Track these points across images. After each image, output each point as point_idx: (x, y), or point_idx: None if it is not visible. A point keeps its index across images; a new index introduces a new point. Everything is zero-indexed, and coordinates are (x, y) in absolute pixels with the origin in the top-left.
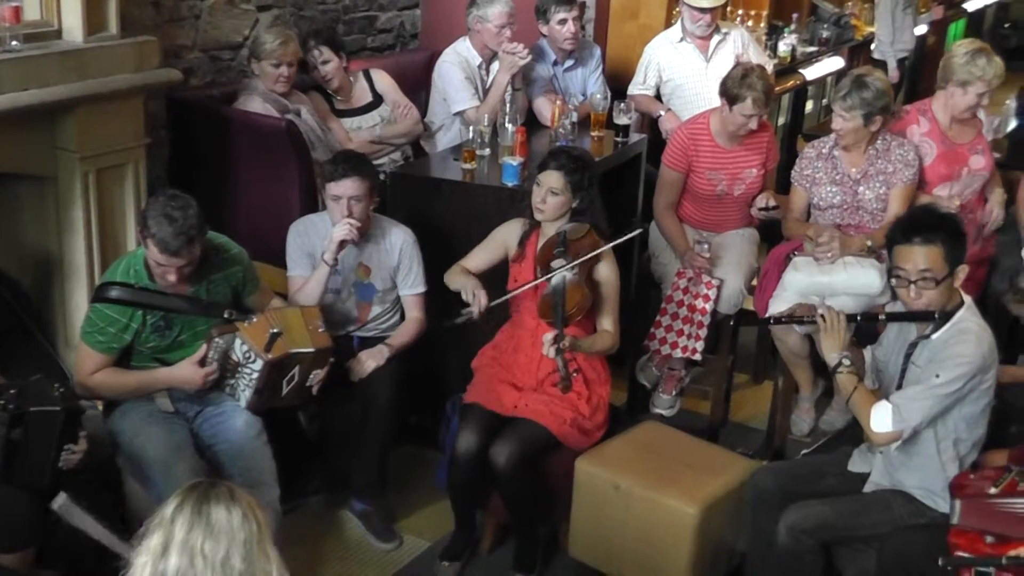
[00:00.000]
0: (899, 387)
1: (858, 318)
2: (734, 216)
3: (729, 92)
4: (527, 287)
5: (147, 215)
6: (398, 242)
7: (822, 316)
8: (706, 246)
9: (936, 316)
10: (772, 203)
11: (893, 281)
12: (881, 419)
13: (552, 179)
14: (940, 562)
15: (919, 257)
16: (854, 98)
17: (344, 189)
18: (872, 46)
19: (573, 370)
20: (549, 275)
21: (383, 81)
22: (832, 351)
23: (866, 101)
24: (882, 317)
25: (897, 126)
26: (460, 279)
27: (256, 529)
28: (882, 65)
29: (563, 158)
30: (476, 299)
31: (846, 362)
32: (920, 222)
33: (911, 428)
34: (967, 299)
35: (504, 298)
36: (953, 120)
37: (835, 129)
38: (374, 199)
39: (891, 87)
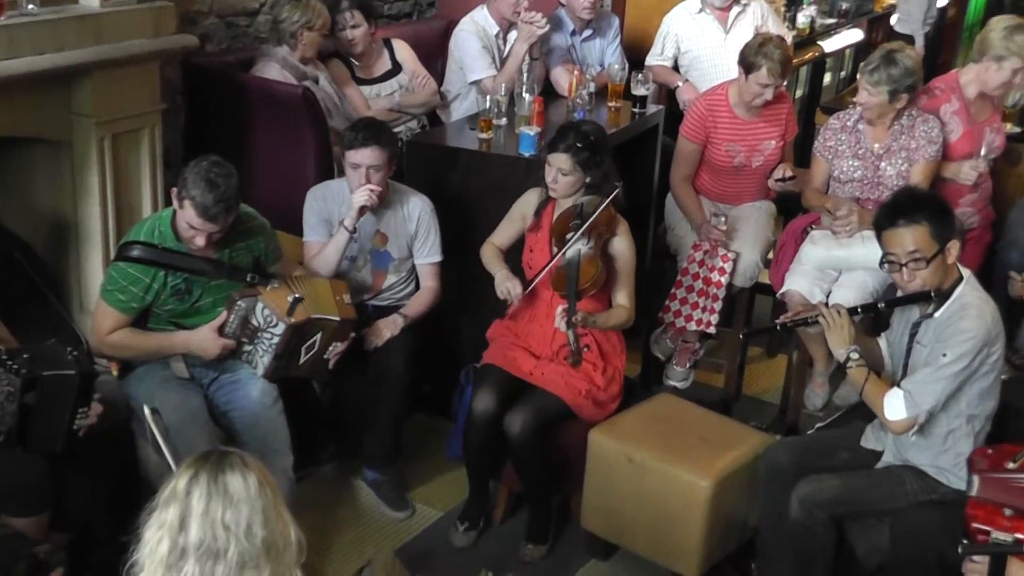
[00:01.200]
0: (905, 367)
1: (858, 310)
2: (752, 188)
3: (746, 60)
4: (550, 266)
5: (188, 177)
6: (416, 211)
7: (828, 315)
8: (723, 219)
9: (933, 295)
10: (789, 174)
11: (886, 267)
12: (895, 407)
13: (560, 160)
14: (960, 550)
15: (906, 239)
16: (881, 73)
17: (363, 158)
18: (894, 19)
19: (584, 345)
20: (565, 248)
21: (403, 51)
22: (839, 347)
23: (893, 78)
24: (881, 305)
25: (929, 104)
26: (491, 263)
27: (271, 494)
28: (907, 39)
29: (571, 138)
30: (511, 292)
31: (854, 356)
32: (901, 204)
33: (926, 412)
34: (966, 273)
35: (534, 282)
36: (979, 96)
37: (860, 102)
38: (392, 167)
39: (921, 66)
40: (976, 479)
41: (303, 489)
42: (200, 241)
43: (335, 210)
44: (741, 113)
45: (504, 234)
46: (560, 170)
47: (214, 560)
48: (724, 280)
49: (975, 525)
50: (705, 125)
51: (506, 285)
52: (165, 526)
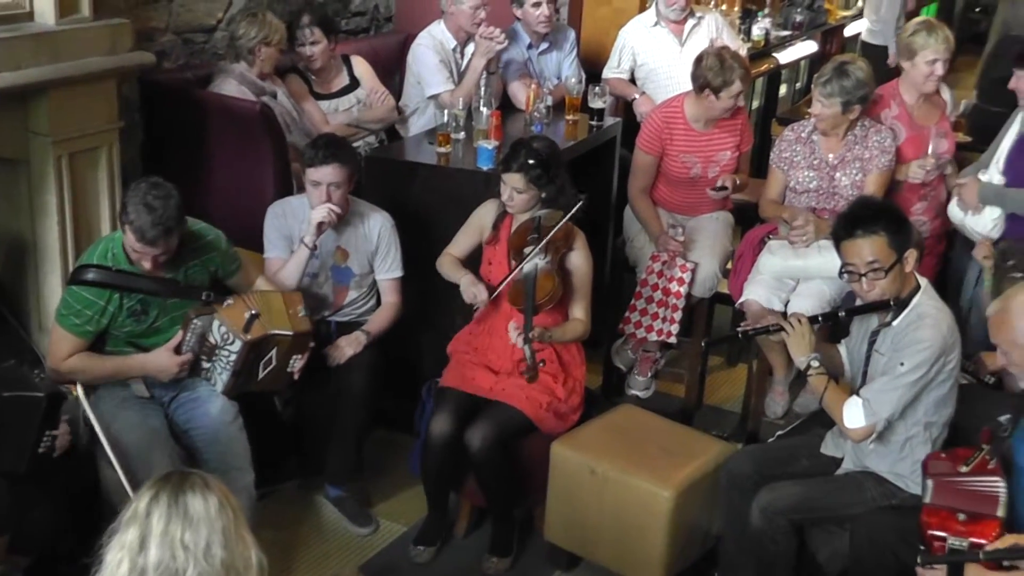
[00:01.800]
0: (864, 374)
1: (819, 319)
2: (709, 199)
3: (712, 83)
4: (509, 279)
5: (127, 202)
6: (376, 226)
7: (789, 323)
8: (680, 229)
9: (892, 304)
10: (727, 184)
11: (844, 277)
12: (853, 415)
13: (514, 180)
14: (919, 560)
15: (864, 249)
16: (834, 85)
17: (324, 175)
18: (863, 31)
19: (540, 360)
20: (522, 263)
21: (361, 67)
22: (800, 355)
23: (846, 89)
24: (841, 314)
25: (872, 111)
26: (452, 271)
27: (232, 515)
28: (880, 51)
29: (522, 156)
30: (477, 298)
31: (815, 364)
32: (859, 215)
33: (884, 420)
34: (923, 282)
35: (499, 289)
36: (920, 99)
37: (814, 114)
38: (353, 183)
39: (872, 78)
40: (930, 483)
41: (265, 506)
42: (146, 264)
43: (296, 226)
44: (697, 125)
45: (461, 245)
46: (515, 188)
47: None
48: (683, 290)
49: (931, 532)
50: (661, 137)
51: (472, 290)
52: (125, 547)
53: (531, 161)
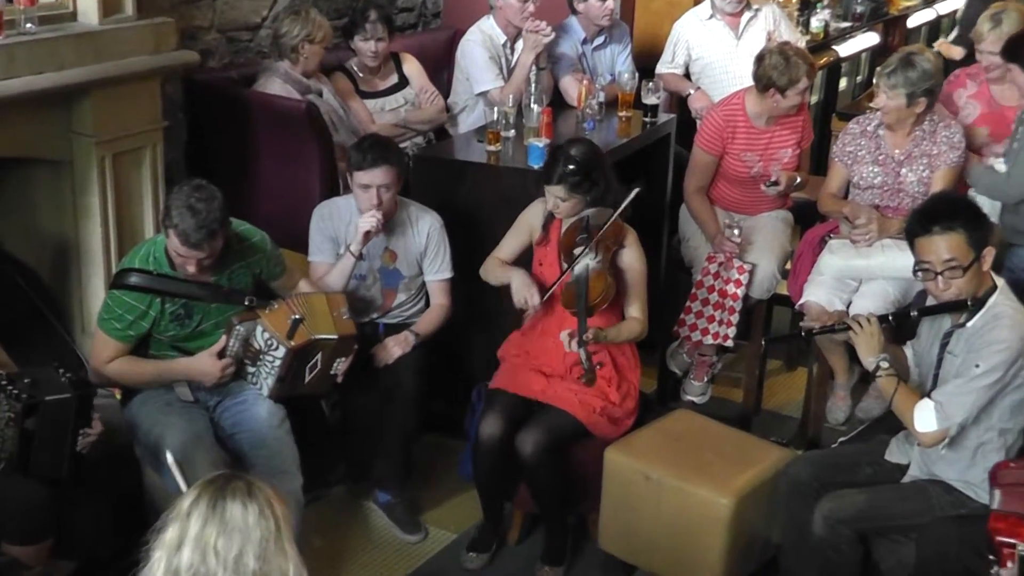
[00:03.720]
0: (935, 378)
1: (889, 318)
2: (767, 197)
3: (778, 82)
4: (562, 279)
5: (170, 205)
6: (426, 227)
7: (857, 322)
8: (736, 230)
9: (968, 304)
10: (780, 179)
11: (919, 275)
12: (925, 419)
13: (555, 191)
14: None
15: (941, 247)
16: (899, 76)
17: (373, 178)
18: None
19: (597, 363)
20: (572, 264)
21: (411, 65)
22: (868, 356)
23: (911, 81)
24: (914, 314)
25: (945, 90)
26: (501, 272)
27: (273, 526)
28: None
29: (560, 165)
30: (529, 301)
31: (884, 365)
32: (936, 211)
33: (957, 425)
34: (1000, 282)
35: (549, 291)
36: (1005, 82)
37: (878, 107)
38: (400, 183)
39: (940, 70)
40: (998, 492)
41: (312, 512)
42: (191, 268)
43: (342, 228)
44: (758, 122)
45: (508, 248)
46: (558, 198)
47: None
48: (740, 292)
49: (999, 539)
50: (722, 136)
51: (524, 293)
52: (165, 545)
53: (570, 168)
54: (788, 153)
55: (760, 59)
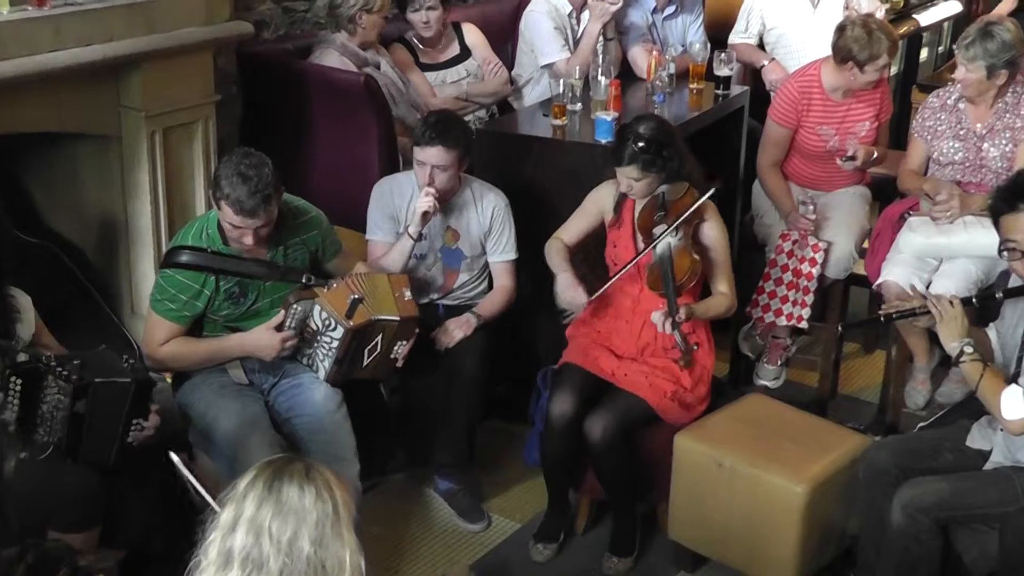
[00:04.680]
0: (1020, 360)
1: (973, 300)
2: (844, 173)
3: (858, 57)
4: (630, 266)
5: (219, 175)
6: (491, 206)
7: (938, 306)
8: (811, 207)
9: None
10: (857, 153)
11: (1005, 254)
12: (1013, 405)
13: (628, 172)
14: None
15: None
16: (977, 48)
17: (428, 156)
18: None
19: (693, 343)
20: (653, 243)
21: (473, 35)
22: (952, 340)
23: (990, 52)
24: (999, 295)
25: None
26: (555, 263)
27: (332, 511)
28: None
29: (629, 145)
30: (573, 303)
31: (968, 349)
32: (1022, 186)
33: None
34: None
35: (607, 285)
36: None
37: (957, 79)
38: (464, 164)
39: (1022, 40)
40: None
41: (371, 500)
42: (248, 240)
43: (402, 205)
44: (835, 95)
45: (574, 229)
46: (631, 179)
47: (257, 571)
48: (815, 272)
49: None
50: (797, 109)
51: (569, 293)
52: (219, 527)
53: (640, 146)
54: (866, 127)
55: (841, 30)
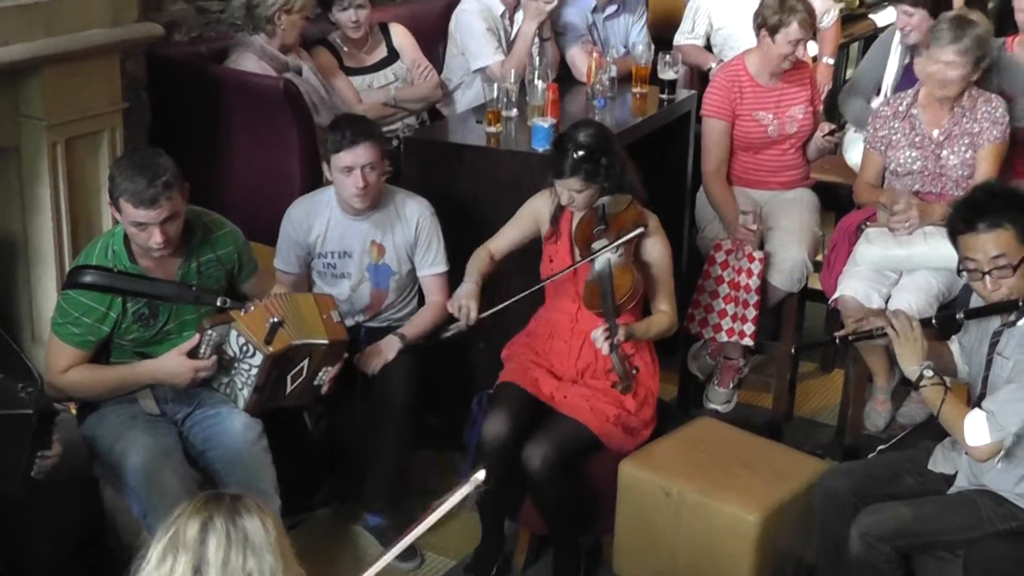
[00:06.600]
0: (985, 380)
1: (933, 322)
2: (789, 163)
3: (768, 22)
4: (559, 276)
5: (114, 174)
6: (415, 215)
7: (896, 328)
8: (751, 216)
9: (1020, 304)
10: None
11: (964, 275)
12: (977, 431)
13: (570, 183)
14: None
15: (988, 244)
16: (965, 41)
17: (356, 157)
18: None
19: (632, 367)
20: (590, 257)
21: (402, 37)
22: (911, 364)
23: (979, 41)
24: (960, 316)
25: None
26: (469, 271)
27: (280, 535)
28: None
29: (570, 156)
30: (463, 311)
31: (928, 373)
32: (982, 205)
33: (1012, 435)
34: None
35: (500, 307)
36: None
37: (936, 78)
38: (385, 168)
39: (991, 33)
40: None
41: (295, 538)
42: (156, 239)
43: (316, 232)
44: (762, 79)
45: (506, 239)
46: (573, 191)
47: None
48: (753, 283)
49: None
50: (730, 99)
51: (464, 302)
52: None
53: (580, 154)
54: (802, 109)
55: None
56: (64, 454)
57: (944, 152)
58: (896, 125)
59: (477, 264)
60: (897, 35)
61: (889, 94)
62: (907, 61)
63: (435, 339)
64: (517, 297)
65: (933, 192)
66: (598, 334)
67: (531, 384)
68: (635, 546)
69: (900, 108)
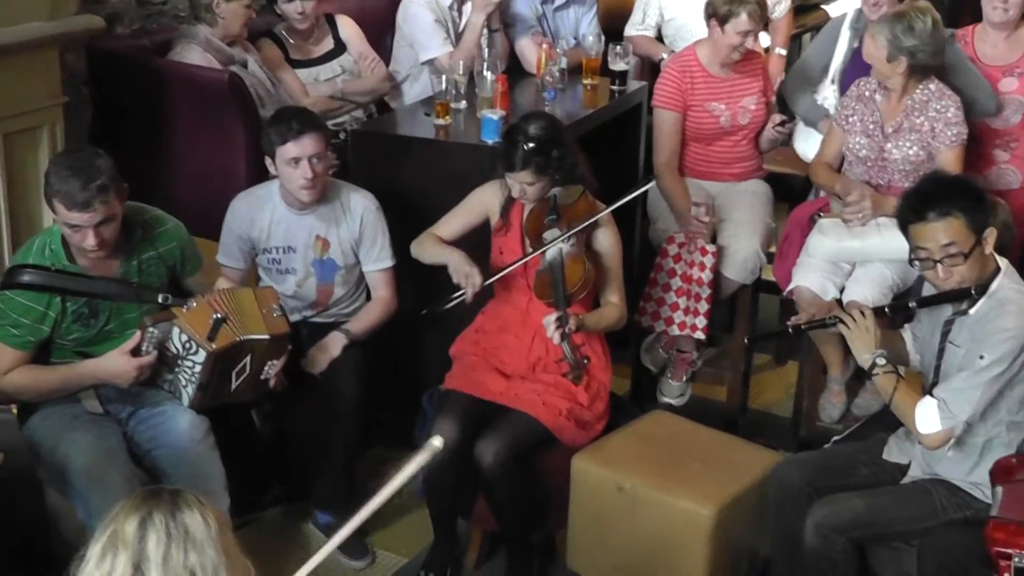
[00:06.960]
0: (937, 368)
1: (886, 311)
2: (742, 154)
3: (719, 12)
4: (518, 264)
5: (49, 174)
6: (359, 209)
7: (850, 316)
8: (703, 209)
9: (973, 292)
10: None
11: (916, 264)
12: (928, 419)
13: (522, 176)
14: None
15: (939, 233)
16: (884, 26)
17: (303, 148)
18: None
19: (583, 357)
20: (543, 248)
21: (349, 28)
22: (864, 352)
23: (895, 34)
24: (912, 305)
25: None
26: (437, 251)
27: (229, 534)
28: None
29: (521, 149)
30: (469, 279)
31: (880, 362)
32: (930, 194)
33: (963, 423)
34: (1003, 264)
35: (497, 276)
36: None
37: (865, 54)
38: (331, 160)
39: (935, 37)
40: (1000, 491)
41: (244, 538)
42: (90, 241)
43: (260, 227)
44: (713, 69)
45: (453, 226)
46: (525, 183)
47: None
48: (706, 277)
49: (996, 549)
50: (681, 89)
51: (465, 269)
52: None
53: (530, 147)
54: (754, 100)
55: None
56: (6, 456)
57: (888, 145)
58: (858, 108)
59: (436, 243)
60: (847, 20)
61: (837, 79)
62: (856, 46)
63: (438, 309)
64: (509, 268)
65: (882, 183)
66: (550, 320)
67: (479, 388)
68: (589, 541)
69: (866, 92)
